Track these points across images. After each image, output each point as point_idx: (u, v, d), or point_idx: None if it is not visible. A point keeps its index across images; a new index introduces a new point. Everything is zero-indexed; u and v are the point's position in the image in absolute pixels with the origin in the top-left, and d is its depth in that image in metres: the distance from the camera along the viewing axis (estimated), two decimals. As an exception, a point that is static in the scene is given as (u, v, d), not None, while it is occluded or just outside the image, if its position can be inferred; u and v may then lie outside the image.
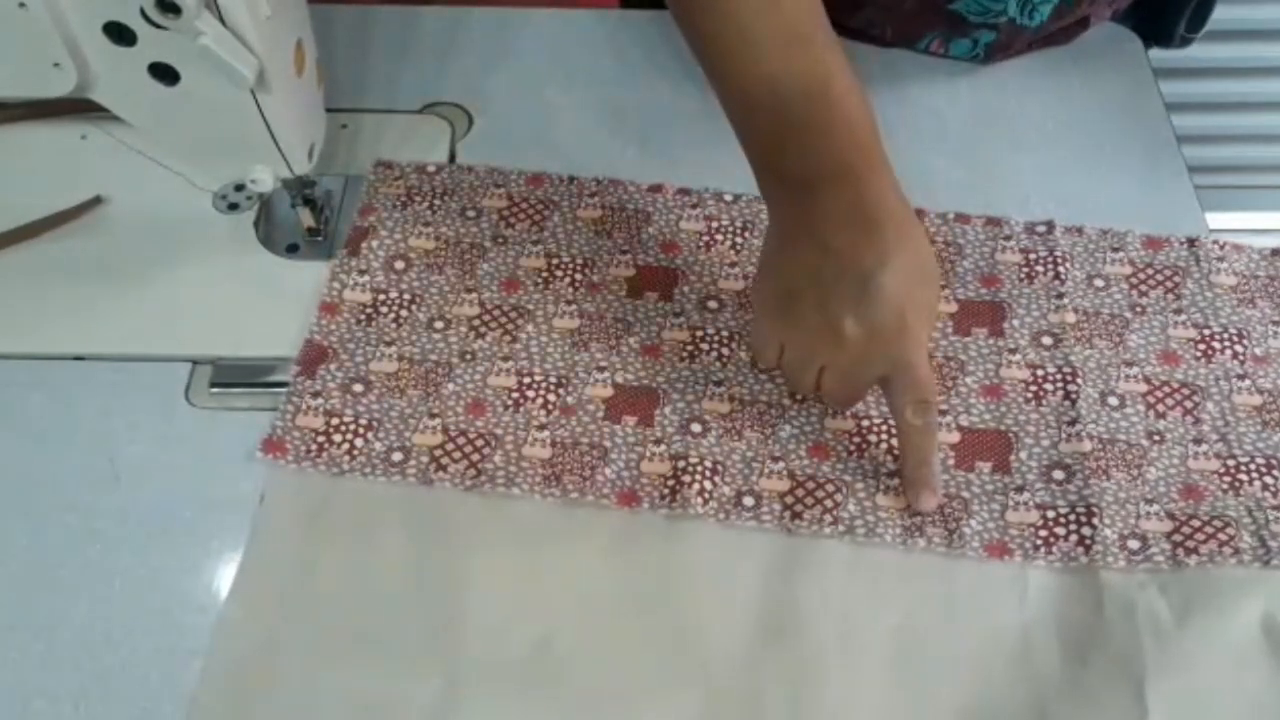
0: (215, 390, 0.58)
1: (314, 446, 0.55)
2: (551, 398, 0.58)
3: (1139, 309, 0.62)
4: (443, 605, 0.51)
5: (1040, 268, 0.64)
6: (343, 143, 0.70)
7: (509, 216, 0.65)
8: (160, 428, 0.56)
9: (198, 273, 0.62)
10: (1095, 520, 0.54)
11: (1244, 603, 0.51)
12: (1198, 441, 0.57)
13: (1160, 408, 0.58)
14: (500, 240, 0.64)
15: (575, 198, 0.67)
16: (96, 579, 0.51)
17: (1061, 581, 0.53)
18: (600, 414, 0.57)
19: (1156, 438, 0.57)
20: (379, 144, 0.70)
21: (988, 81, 0.75)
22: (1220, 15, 0.76)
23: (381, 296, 0.61)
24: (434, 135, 0.71)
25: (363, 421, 0.56)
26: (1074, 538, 0.53)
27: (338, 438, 0.56)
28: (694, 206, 0.66)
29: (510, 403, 0.57)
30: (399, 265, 0.63)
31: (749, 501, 0.54)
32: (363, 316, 0.60)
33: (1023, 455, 0.56)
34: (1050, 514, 0.54)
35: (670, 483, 0.55)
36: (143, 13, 0.49)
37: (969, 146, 0.71)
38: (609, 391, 0.58)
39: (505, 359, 0.59)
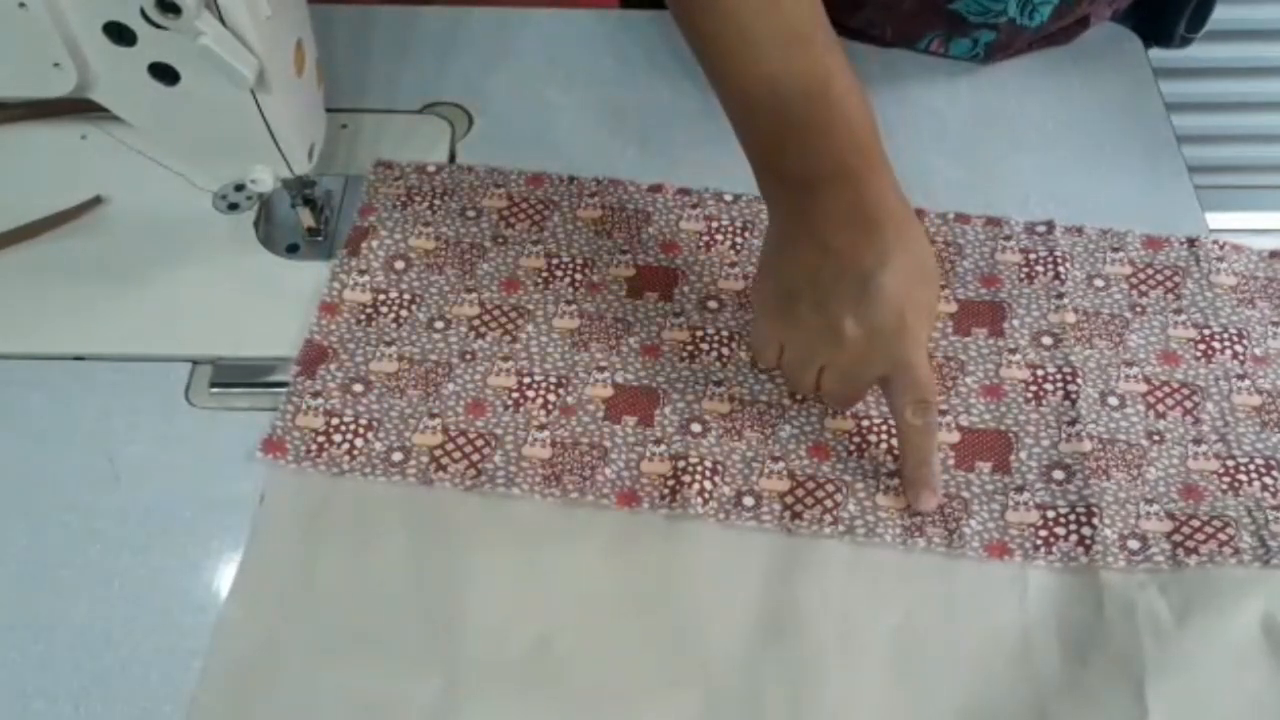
0: (215, 390, 0.58)
1: (314, 446, 0.55)
2: (551, 398, 0.58)
3: (1139, 309, 0.62)
4: (443, 605, 0.51)
5: (1040, 268, 0.64)
6: (343, 143, 0.70)
7: (509, 216, 0.65)
8: (160, 428, 0.56)
9: (198, 273, 0.62)
10: (1095, 520, 0.54)
11: (1244, 603, 0.51)
12: (1197, 441, 0.57)
13: (1160, 408, 0.58)
14: (500, 240, 0.64)
15: (575, 198, 0.67)
16: (96, 579, 0.51)
17: (1061, 581, 0.53)
18: (600, 414, 0.57)
19: (1156, 438, 0.57)
20: (379, 144, 0.70)
21: (988, 81, 0.75)
22: (1220, 15, 0.76)
23: (381, 296, 0.61)
24: (434, 135, 0.71)
25: (363, 421, 0.56)
26: (1074, 538, 0.53)
27: (338, 438, 0.56)
28: (694, 206, 0.66)
29: (510, 403, 0.57)
30: (399, 265, 0.63)
31: (749, 501, 0.54)
32: (363, 316, 0.61)
33: (1023, 455, 0.56)
34: (1050, 514, 0.54)
35: (670, 483, 0.55)
36: (143, 13, 0.49)
37: (969, 146, 0.71)
38: (609, 391, 0.58)
39: (505, 359, 0.59)
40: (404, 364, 0.59)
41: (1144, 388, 0.59)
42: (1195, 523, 0.54)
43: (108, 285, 0.61)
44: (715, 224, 0.66)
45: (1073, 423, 0.57)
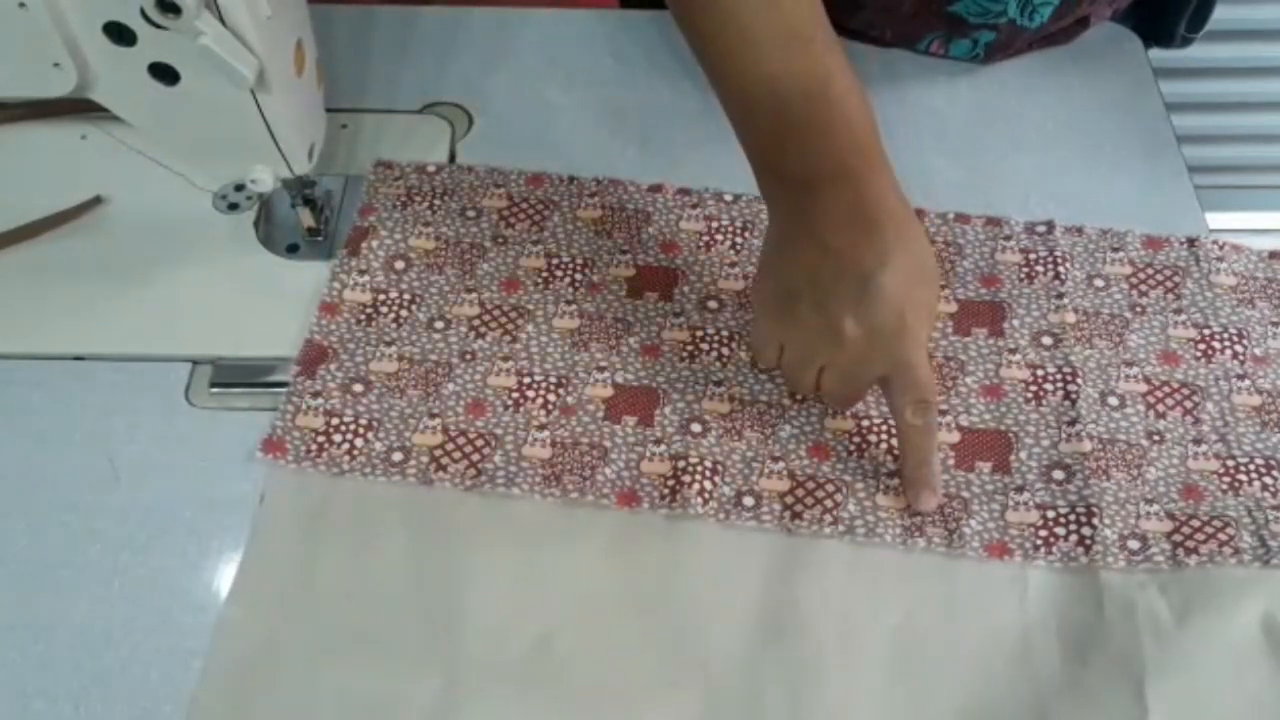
0: (215, 390, 0.58)
1: (314, 446, 0.55)
2: (551, 398, 0.58)
3: (1139, 309, 0.62)
4: (443, 605, 0.51)
5: (1040, 268, 0.64)
6: (343, 143, 0.70)
7: (509, 216, 0.65)
8: (160, 428, 0.56)
9: (198, 273, 0.62)
10: (1095, 520, 0.54)
11: (1244, 603, 0.51)
12: (1197, 441, 0.57)
13: (1160, 408, 0.58)
14: (500, 240, 0.64)
15: (575, 198, 0.67)
16: (96, 579, 0.51)
17: (1061, 581, 0.53)
18: (600, 414, 0.57)
19: (1156, 438, 0.57)
20: (379, 144, 0.70)
21: (988, 81, 0.75)
22: (1220, 15, 0.76)
23: (381, 296, 0.61)
24: (434, 135, 0.71)
25: (363, 421, 0.56)
26: (1074, 538, 0.53)
27: (338, 438, 0.56)
28: (694, 206, 0.66)
29: (510, 403, 0.57)
30: (399, 265, 0.63)
31: (749, 501, 0.54)
32: (363, 316, 0.61)
33: (1023, 455, 0.56)
34: (1050, 514, 0.54)
35: (670, 483, 0.55)
36: (143, 13, 0.49)
37: (969, 146, 0.71)
38: (609, 391, 0.58)
39: (505, 359, 0.59)
40: (404, 364, 0.59)
41: (1144, 388, 0.59)
42: (1195, 523, 0.54)
43: (108, 285, 0.61)
44: (715, 224, 0.66)
45: (1073, 423, 0.57)
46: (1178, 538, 0.53)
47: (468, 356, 0.59)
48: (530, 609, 0.51)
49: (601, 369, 0.59)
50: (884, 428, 0.57)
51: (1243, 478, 0.56)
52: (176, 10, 0.48)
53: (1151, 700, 0.48)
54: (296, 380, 0.58)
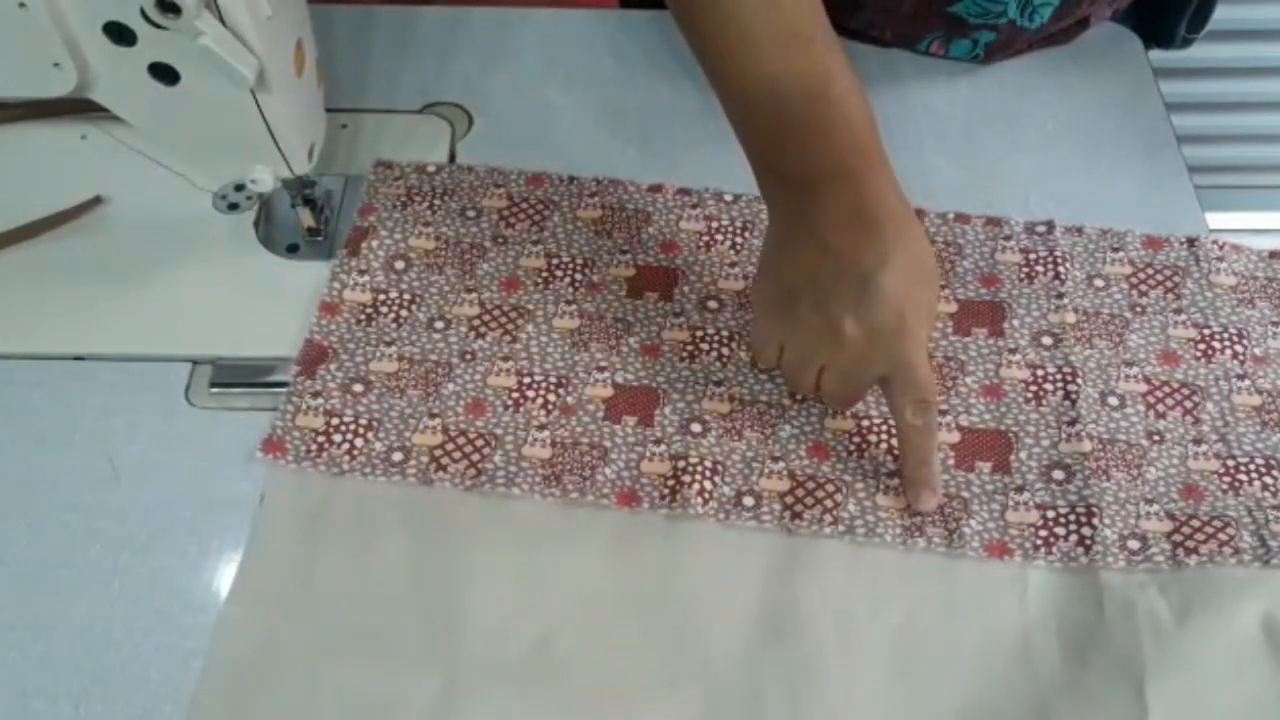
0: (215, 390, 0.58)
1: (314, 446, 0.55)
2: (551, 398, 0.58)
3: (1139, 309, 0.62)
4: (443, 605, 0.51)
5: (1040, 268, 0.64)
6: (343, 143, 0.70)
7: (509, 216, 0.65)
8: (160, 428, 0.56)
9: (198, 273, 0.62)
10: (1095, 520, 0.54)
11: (1244, 603, 0.51)
12: (1197, 441, 0.57)
13: (1160, 408, 0.58)
14: (500, 240, 0.64)
15: (575, 198, 0.67)
16: (96, 579, 0.51)
17: (1061, 581, 0.53)
18: (600, 414, 0.57)
19: (1156, 438, 0.57)
20: (379, 144, 0.70)
21: (988, 81, 0.75)
22: (1220, 15, 0.76)
23: (381, 296, 0.61)
24: (434, 135, 0.71)
25: (363, 421, 0.56)
26: (1074, 538, 0.53)
27: (338, 438, 0.56)
28: (694, 206, 0.66)
29: (510, 403, 0.57)
30: (399, 265, 0.63)
31: (749, 501, 0.54)
32: (363, 316, 0.61)
33: (1023, 455, 0.56)
34: (1050, 514, 0.54)
35: (670, 483, 0.55)
36: (143, 13, 0.49)
37: (969, 146, 0.71)
38: (609, 391, 0.58)
39: (505, 359, 0.59)
40: (404, 364, 0.59)
41: (1144, 388, 0.59)
42: (1195, 523, 0.54)
43: (108, 285, 0.61)
44: (715, 224, 0.66)
45: (1073, 423, 0.57)
46: (1178, 538, 0.53)
47: (468, 356, 0.59)
48: (530, 609, 0.51)
49: (601, 369, 0.59)
50: (884, 428, 0.57)
51: (1243, 478, 0.56)
52: (176, 10, 0.48)
53: (1151, 700, 0.48)
54: (296, 380, 0.58)
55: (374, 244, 0.64)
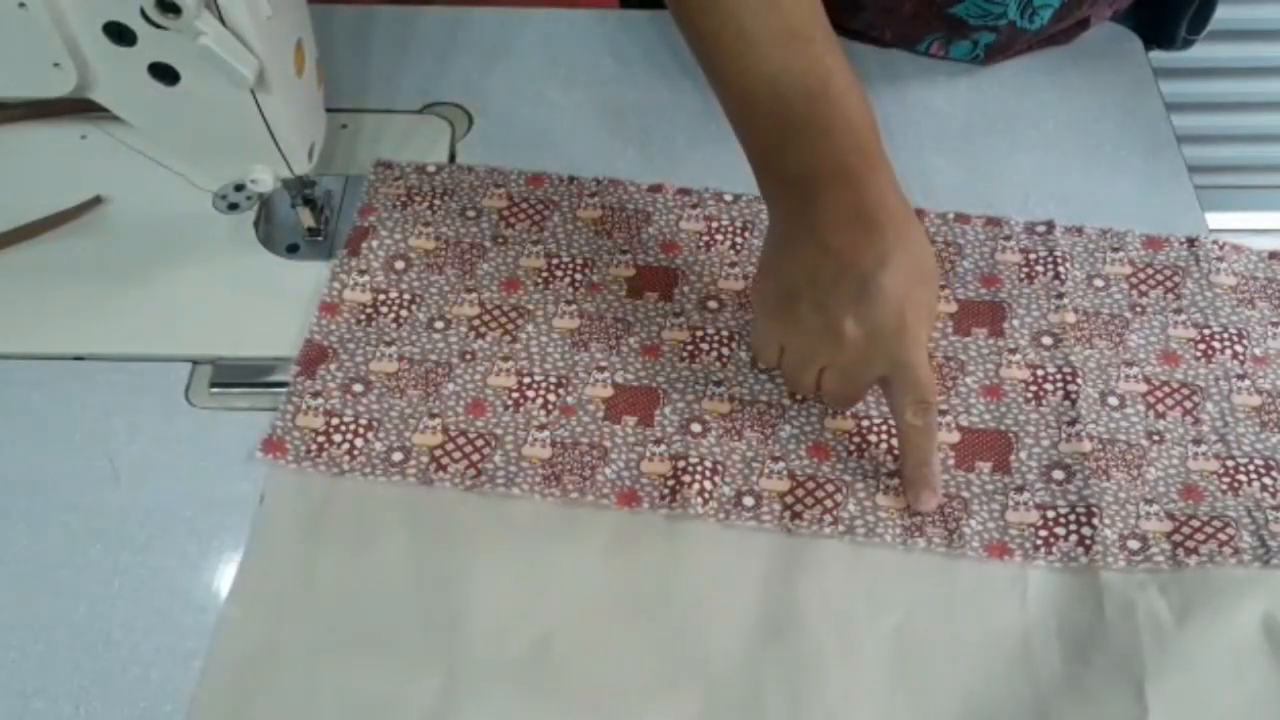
0: (215, 390, 0.58)
1: (314, 446, 0.55)
2: (551, 398, 0.58)
3: (1139, 309, 0.62)
4: (443, 605, 0.51)
5: (1040, 268, 0.64)
6: (343, 143, 0.70)
7: (509, 216, 0.65)
8: (160, 428, 0.56)
9: (198, 273, 0.62)
10: (1095, 520, 0.54)
11: (1244, 603, 0.51)
12: (1197, 442, 0.57)
13: (1160, 408, 0.58)
14: (500, 240, 0.64)
15: (575, 198, 0.67)
16: (96, 579, 0.51)
17: (1062, 581, 0.53)
18: (600, 414, 0.57)
19: (1156, 438, 0.57)
20: (379, 144, 0.70)
21: (988, 81, 0.75)
22: (1220, 15, 0.76)
23: (381, 296, 0.61)
24: (434, 135, 0.71)
25: (363, 421, 0.56)
26: (1074, 538, 0.53)
27: (338, 438, 0.56)
28: (694, 206, 0.66)
29: (510, 403, 0.57)
30: (399, 265, 0.63)
31: (749, 501, 0.54)
32: (363, 316, 0.61)
33: (1023, 455, 0.56)
34: (1050, 514, 0.54)
35: (670, 483, 0.55)
36: (143, 13, 0.49)
37: (969, 146, 0.71)
38: (609, 391, 0.58)
39: (505, 359, 0.59)
40: (404, 364, 0.59)
41: (1144, 388, 0.59)
42: (1195, 523, 0.54)
43: (108, 285, 0.61)
44: (715, 224, 0.66)
45: (1073, 423, 0.57)
46: (1178, 538, 0.53)
47: (468, 356, 0.59)
48: (530, 609, 0.51)
49: (601, 369, 0.59)
50: (884, 428, 0.57)
51: (1242, 478, 0.56)
52: (176, 10, 0.48)
53: (1151, 700, 0.48)
54: (296, 380, 0.58)
55: (374, 244, 0.64)
